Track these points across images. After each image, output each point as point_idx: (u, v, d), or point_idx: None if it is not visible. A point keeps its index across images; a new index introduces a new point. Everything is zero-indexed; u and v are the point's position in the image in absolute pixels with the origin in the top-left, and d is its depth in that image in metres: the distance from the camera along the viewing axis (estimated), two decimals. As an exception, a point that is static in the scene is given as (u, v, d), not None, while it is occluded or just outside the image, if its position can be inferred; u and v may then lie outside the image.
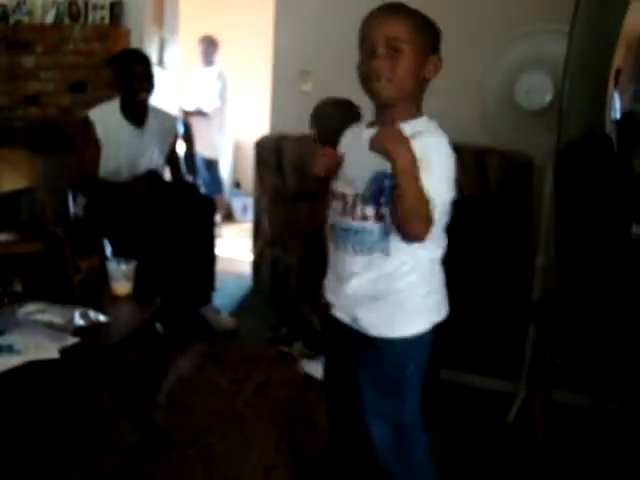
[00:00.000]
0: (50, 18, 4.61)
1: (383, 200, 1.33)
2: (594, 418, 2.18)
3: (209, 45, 5.69)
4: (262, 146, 3.75)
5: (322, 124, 2.52)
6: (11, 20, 4.67)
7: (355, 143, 1.44)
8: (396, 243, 1.35)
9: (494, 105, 2.62)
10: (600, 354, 1.62)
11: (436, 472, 1.56)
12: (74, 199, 3.41)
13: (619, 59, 1.44)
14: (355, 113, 2.43)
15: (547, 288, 2.15)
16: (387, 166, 1.24)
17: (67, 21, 4.57)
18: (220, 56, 5.86)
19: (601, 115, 1.46)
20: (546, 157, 2.24)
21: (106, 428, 2.10)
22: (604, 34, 1.52)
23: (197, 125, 5.37)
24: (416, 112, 1.39)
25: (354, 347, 1.50)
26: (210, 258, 3.21)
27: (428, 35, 1.35)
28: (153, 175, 3.11)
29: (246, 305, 3.61)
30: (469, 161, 3.19)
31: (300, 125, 3.62)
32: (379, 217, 1.36)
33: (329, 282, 1.55)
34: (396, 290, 1.41)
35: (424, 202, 1.23)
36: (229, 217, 6.35)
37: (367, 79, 1.35)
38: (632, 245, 1.39)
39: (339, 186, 1.46)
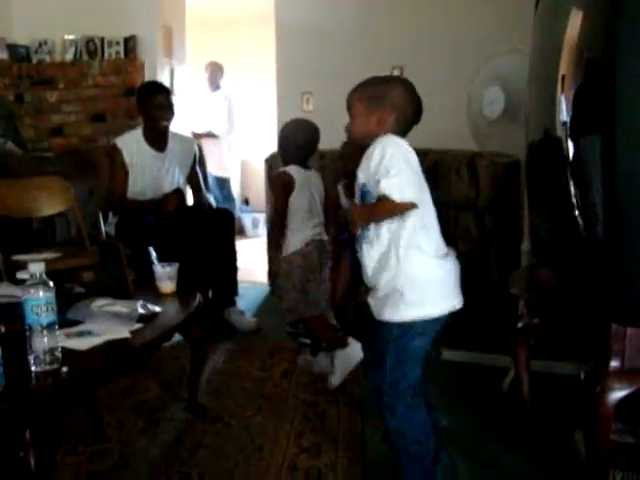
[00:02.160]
0: (70, 56, 5.05)
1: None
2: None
3: (215, 71, 6.09)
4: (272, 162, 4.13)
5: (286, 142, 2.85)
6: (34, 59, 5.10)
7: None
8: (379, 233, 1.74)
9: (478, 115, 3.03)
10: (567, 317, 1.97)
11: (420, 446, 1.80)
12: (104, 219, 3.79)
13: (563, 66, 1.79)
14: (314, 130, 2.83)
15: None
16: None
17: (85, 57, 5.02)
18: (225, 81, 6.25)
19: (552, 119, 1.82)
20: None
21: (157, 409, 2.48)
22: (552, 45, 1.86)
23: (207, 146, 5.75)
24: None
25: None
26: (232, 265, 3.60)
27: (371, 100, 1.79)
28: (179, 193, 3.50)
29: (266, 308, 4.00)
30: (463, 165, 3.58)
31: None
32: None
33: None
34: (382, 281, 1.75)
35: (376, 213, 1.72)
36: (241, 233, 6.70)
37: None
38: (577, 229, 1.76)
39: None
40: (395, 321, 1.74)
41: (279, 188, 2.78)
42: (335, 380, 2.64)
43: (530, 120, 2.14)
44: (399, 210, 1.68)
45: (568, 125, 1.76)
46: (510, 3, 3.90)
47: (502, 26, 3.90)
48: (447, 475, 1.89)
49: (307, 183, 2.78)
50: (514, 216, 3.46)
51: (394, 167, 1.66)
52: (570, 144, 1.75)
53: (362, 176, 1.76)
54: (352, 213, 1.81)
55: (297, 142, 2.80)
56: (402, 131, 1.79)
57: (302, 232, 2.74)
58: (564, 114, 1.77)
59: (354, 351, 2.64)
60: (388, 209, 1.68)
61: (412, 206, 1.67)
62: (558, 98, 1.81)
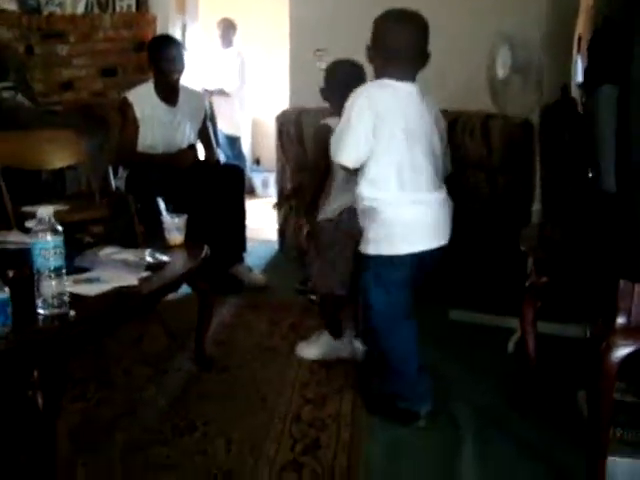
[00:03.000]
0: (81, 8, 4.99)
1: None
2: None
3: (227, 27, 6.03)
4: (283, 119, 4.11)
5: (328, 87, 2.55)
6: (44, 12, 5.04)
7: None
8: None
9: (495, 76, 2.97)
10: (575, 274, 1.96)
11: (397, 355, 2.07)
12: (115, 173, 3.80)
13: (580, 26, 1.76)
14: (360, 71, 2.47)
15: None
16: None
17: (96, 11, 4.96)
18: (238, 38, 6.19)
19: (568, 79, 1.79)
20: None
21: (164, 359, 2.51)
22: (568, 4, 1.84)
23: (218, 104, 5.71)
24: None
25: None
26: (241, 221, 3.60)
27: (370, 45, 1.98)
28: (193, 149, 3.51)
29: (274, 265, 4.02)
30: (477, 127, 3.55)
31: (317, 100, 3.98)
32: None
33: None
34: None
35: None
36: (251, 192, 6.69)
37: None
38: (589, 185, 1.74)
39: None
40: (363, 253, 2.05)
41: (319, 143, 2.42)
42: (304, 351, 2.58)
43: (544, 81, 2.11)
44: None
45: (583, 82, 1.74)
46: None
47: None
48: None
49: None
50: (526, 177, 3.43)
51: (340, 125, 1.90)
52: (584, 101, 1.73)
53: None
54: None
55: (339, 86, 2.40)
56: (401, 73, 1.77)
57: (340, 197, 2.40)
58: (580, 74, 1.74)
59: (340, 349, 2.55)
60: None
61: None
62: (574, 58, 1.79)
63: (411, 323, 2.07)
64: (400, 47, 1.78)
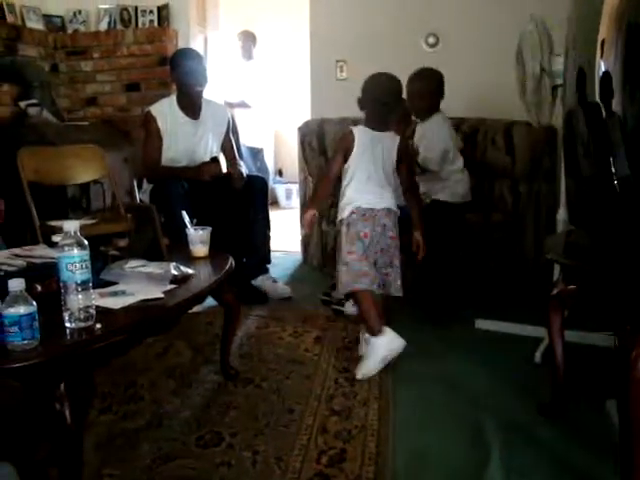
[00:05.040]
0: (104, 25, 5.08)
1: None
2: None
3: (248, 40, 6.07)
4: (305, 130, 4.14)
5: (362, 97, 2.69)
6: (69, 29, 5.14)
7: None
8: None
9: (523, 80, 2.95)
10: (604, 281, 1.94)
11: None
12: (139, 187, 3.84)
13: (603, 29, 1.74)
14: (393, 84, 2.67)
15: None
16: None
17: (120, 27, 5.04)
18: (258, 50, 6.24)
19: (591, 84, 1.77)
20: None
21: (189, 372, 2.53)
22: (591, 7, 1.81)
23: (240, 116, 5.77)
24: None
25: None
26: (265, 232, 3.61)
27: None
28: (216, 162, 3.54)
29: (298, 276, 4.03)
30: (499, 134, 3.55)
31: (338, 110, 4.00)
32: None
33: None
34: None
35: None
36: (274, 204, 6.74)
37: None
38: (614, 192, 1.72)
39: None
40: None
41: (338, 147, 2.72)
42: (362, 370, 2.49)
43: (568, 87, 2.09)
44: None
45: (607, 87, 1.72)
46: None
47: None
48: None
49: (371, 146, 2.62)
50: (550, 185, 3.42)
51: None
52: (608, 107, 1.71)
53: None
54: None
55: (373, 97, 2.65)
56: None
57: (353, 199, 2.62)
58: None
59: (391, 342, 2.52)
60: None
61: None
62: (597, 63, 1.76)
63: None
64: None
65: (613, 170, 1.70)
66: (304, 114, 4.81)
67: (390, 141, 2.67)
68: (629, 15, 1.65)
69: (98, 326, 1.60)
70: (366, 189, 2.62)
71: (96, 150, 3.73)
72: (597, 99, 1.77)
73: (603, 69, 1.73)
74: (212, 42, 5.51)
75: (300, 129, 4.23)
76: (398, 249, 2.65)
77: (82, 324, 1.59)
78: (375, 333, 2.53)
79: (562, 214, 2.70)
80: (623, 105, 1.70)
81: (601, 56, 1.74)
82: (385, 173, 2.65)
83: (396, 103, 2.68)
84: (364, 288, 2.56)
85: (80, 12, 5.13)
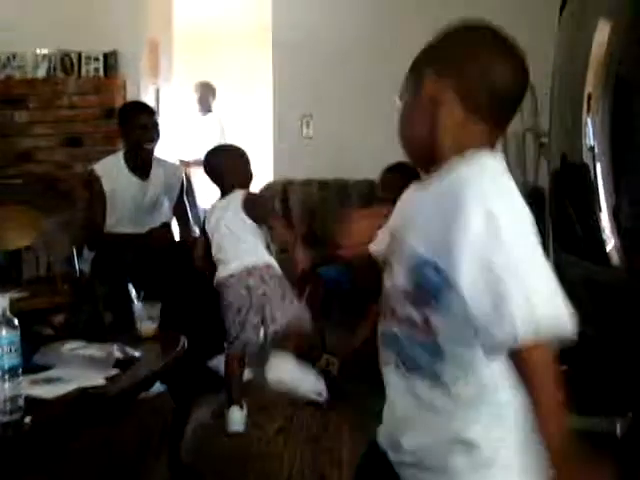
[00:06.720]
0: (42, 72, 5.06)
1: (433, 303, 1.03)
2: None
3: (206, 92, 6.13)
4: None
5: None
6: (1, 75, 5.10)
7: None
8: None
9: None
10: (599, 364, 1.96)
11: None
12: (79, 255, 3.80)
13: (590, 83, 1.79)
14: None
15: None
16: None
17: (60, 74, 5.02)
18: (217, 103, 6.31)
19: (579, 142, 1.82)
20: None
21: (135, 465, 2.46)
22: (579, 52, 1.87)
23: (197, 175, 5.77)
24: None
25: None
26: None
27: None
28: (167, 228, 3.53)
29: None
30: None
31: (304, 170, 4.05)
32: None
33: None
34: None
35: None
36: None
37: None
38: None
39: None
40: None
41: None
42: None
43: (553, 144, 2.15)
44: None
45: (598, 149, 1.77)
46: (534, 24, 3.90)
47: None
48: None
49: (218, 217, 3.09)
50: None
51: (524, 262, 0.96)
52: (599, 169, 1.76)
53: (423, 245, 1.07)
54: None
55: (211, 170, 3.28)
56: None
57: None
58: (590, 136, 1.77)
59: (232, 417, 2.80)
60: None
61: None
62: (584, 119, 1.81)
63: None
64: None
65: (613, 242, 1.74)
66: (268, 172, 4.84)
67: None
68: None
69: (27, 420, 1.56)
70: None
71: (30, 212, 3.68)
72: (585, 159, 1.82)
73: (590, 125, 1.78)
74: (165, 94, 5.56)
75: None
76: None
77: (8, 417, 1.54)
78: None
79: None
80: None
81: (587, 111, 1.79)
82: None
83: None
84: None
85: (15, 56, 5.09)
